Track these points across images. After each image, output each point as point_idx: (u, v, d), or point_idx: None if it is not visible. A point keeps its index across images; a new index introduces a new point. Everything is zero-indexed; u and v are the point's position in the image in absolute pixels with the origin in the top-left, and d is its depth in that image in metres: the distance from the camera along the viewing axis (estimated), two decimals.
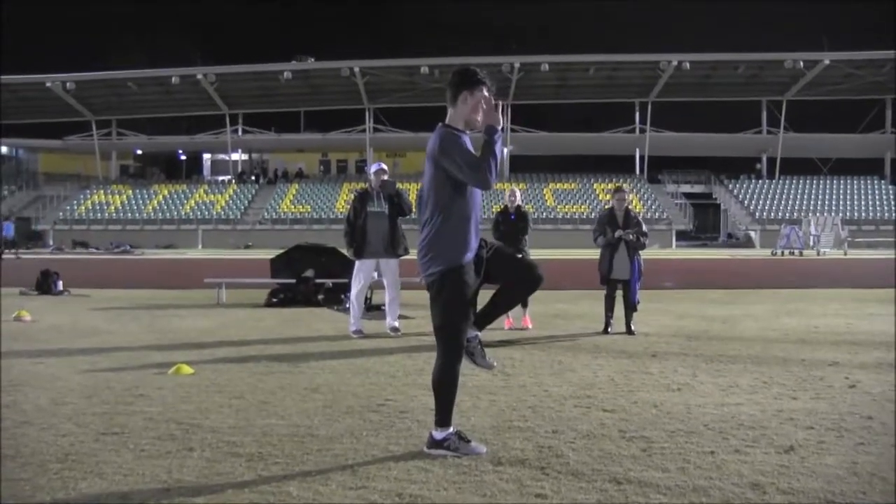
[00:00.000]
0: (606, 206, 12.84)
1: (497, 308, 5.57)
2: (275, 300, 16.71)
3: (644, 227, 12.34)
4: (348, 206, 12.12)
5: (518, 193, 13.35)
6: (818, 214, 53.15)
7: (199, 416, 6.33)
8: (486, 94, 5.30)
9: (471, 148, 5.23)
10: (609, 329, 11.84)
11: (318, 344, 10.78)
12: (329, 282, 16.72)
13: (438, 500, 4.38)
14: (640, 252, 12.31)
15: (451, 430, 5.31)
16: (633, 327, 11.75)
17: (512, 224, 12.84)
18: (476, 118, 5.30)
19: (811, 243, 47.39)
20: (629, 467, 4.91)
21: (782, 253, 44.93)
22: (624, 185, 13.36)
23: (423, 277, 5.32)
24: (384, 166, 12.27)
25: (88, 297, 18.25)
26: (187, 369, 8.34)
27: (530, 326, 12.47)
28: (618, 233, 12.03)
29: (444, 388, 5.34)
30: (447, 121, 5.36)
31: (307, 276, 16.95)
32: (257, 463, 5.07)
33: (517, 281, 5.49)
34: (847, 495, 4.37)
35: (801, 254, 44.31)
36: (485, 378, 7.94)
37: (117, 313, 14.64)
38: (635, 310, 12.03)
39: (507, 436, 5.71)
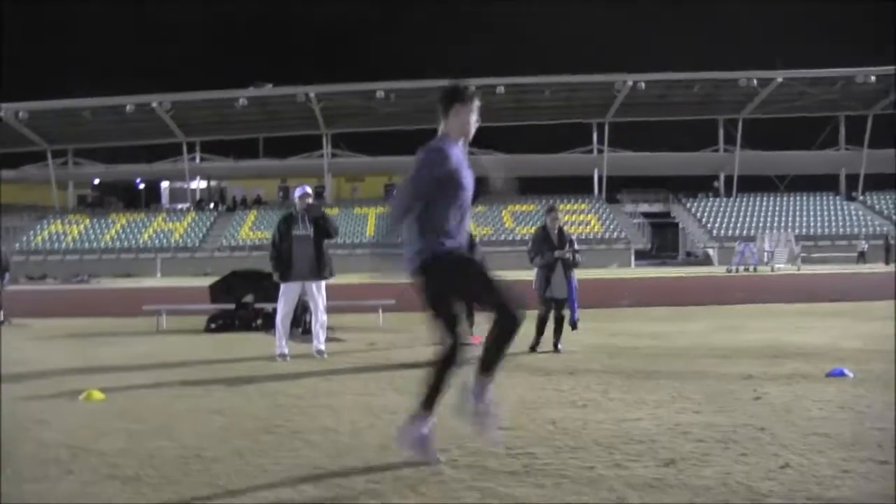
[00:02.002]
0: (538, 227, 12.82)
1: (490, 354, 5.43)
2: (213, 326, 16.60)
3: (577, 246, 12.36)
4: (274, 229, 12.05)
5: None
6: (772, 231, 53.52)
7: (91, 440, 6.23)
8: (475, 105, 5.49)
9: (456, 159, 5.36)
10: (536, 348, 11.81)
11: (239, 367, 10.71)
12: (269, 307, 16.62)
13: None
14: (574, 271, 12.32)
15: (430, 423, 5.38)
16: (560, 346, 11.73)
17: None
18: (469, 129, 5.48)
19: (765, 259, 47.73)
20: (505, 483, 4.88)
21: (737, 270, 45.23)
22: (557, 205, 13.37)
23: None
24: (309, 190, 12.23)
25: (28, 326, 18.05)
26: (98, 395, 8.24)
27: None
28: (557, 253, 12.03)
29: (438, 370, 5.39)
30: (440, 132, 5.51)
31: (246, 302, 16.86)
32: (133, 485, 5.00)
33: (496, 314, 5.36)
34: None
35: (755, 270, 44.62)
36: (391, 398, 7.93)
37: (50, 342, 14.50)
38: (575, 328, 12.05)
39: (391, 454, 5.64)
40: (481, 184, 5.64)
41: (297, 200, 11.95)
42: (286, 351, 11.54)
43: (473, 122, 5.50)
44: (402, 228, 5.36)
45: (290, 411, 7.40)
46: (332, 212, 68.81)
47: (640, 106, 70.29)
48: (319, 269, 11.73)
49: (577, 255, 12.29)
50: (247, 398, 8.23)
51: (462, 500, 4.59)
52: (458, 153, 5.41)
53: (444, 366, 5.32)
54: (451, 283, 5.36)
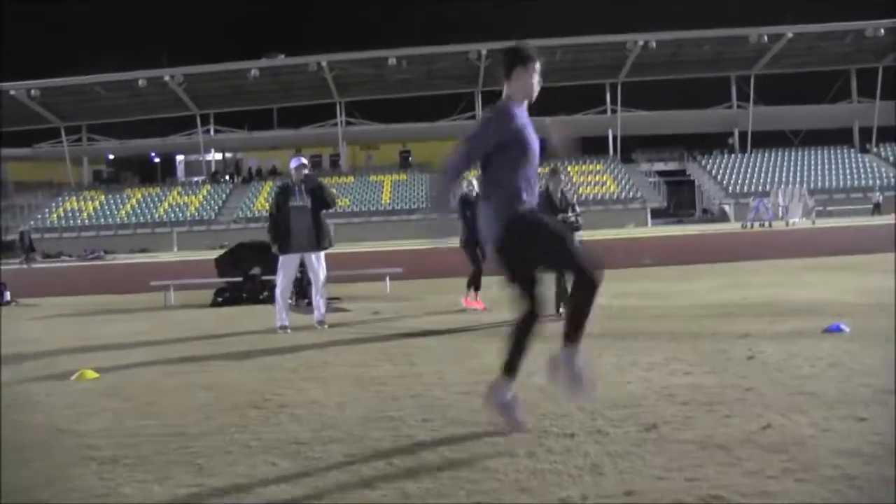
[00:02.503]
0: (540, 190, 12.77)
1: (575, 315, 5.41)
2: (220, 300, 16.67)
3: (578, 209, 12.31)
4: (270, 202, 12.03)
5: (475, 184, 13.32)
6: (786, 186, 53.21)
7: (75, 421, 6.23)
8: (537, 66, 5.45)
9: (521, 119, 5.35)
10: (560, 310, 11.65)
11: (238, 341, 10.74)
12: (276, 278, 16.64)
13: (272, 495, 4.32)
14: (577, 234, 12.26)
15: (512, 388, 5.35)
16: (561, 309, 11.65)
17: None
18: (532, 90, 5.45)
19: (780, 214, 47.46)
20: (480, 452, 4.85)
21: (752, 226, 44.97)
22: (559, 168, 13.29)
23: None
24: (304, 160, 12.19)
25: (37, 306, 18.13)
26: (91, 374, 8.25)
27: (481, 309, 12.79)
28: (560, 216, 11.95)
29: (516, 334, 5.40)
30: (504, 95, 5.48)
31: (253, 274, 16.87)
32: (108, 465, 4.98)
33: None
34: (685, 469, 4.31)
35: (770, 225, 44.35)
36: (385, 369, 7.94)
37: (53, 322, 14.59)
38: None
39: (372, 426, 5.63)
40: (546, 144, 5.62)
41: (292, 171, 11.90)
42: (287, 323, 11.55)
43: (536, 83, 5.45)
44: (458, 190, 5.39)
45: (281, 385, 7.39)
46: (348, 180, 69.06)
47: (653, 65, 70.02)
48: (318, 239, 11.69)
49: (579, 219, 12.24)
50: (240, 372, 8.23)
51: (431, 470, 4.57)
52: (523, 114, 5.40)
53: (522, 330, 5.33)
54: (527, 247, 5.29)
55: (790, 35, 64.58)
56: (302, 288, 14.67)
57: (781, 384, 6.29)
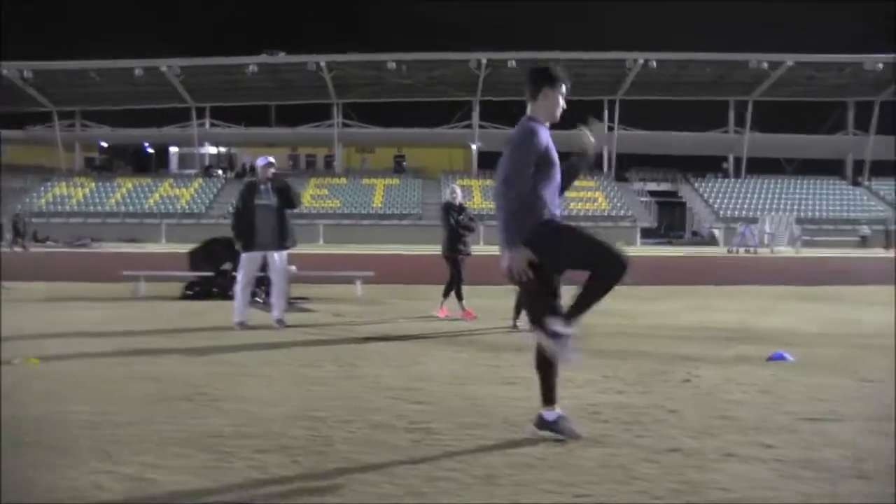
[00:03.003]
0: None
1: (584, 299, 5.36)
2: (190, 293, 16.71)
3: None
4: (236, 198, 12.12)
5: (459, 191, 13.55)
6: (773, 213, 53.35)
7: (10, 405, 6.27)
8: (564, 90, 5.50)
9: (546, 140, 5.37)
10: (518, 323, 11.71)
11: (195, 335, 10.82)
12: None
13: (172, 485, 4.40)
14: None
15: (557, 410, 5.44)
16: (519, 322, 11.71)
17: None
18: (556, 113, 5.50)
19: (766, 241, 47.59)
20: (384, 457, 4.94)
21: (737, 251, 45.07)
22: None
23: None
24: (272, 160, 12.29)
25: (8, 290, 18.08)
26: (34, 361, 8.29)
27: (475, 316, 12.94)
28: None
29: (538, 367, 5.49)
30: (528, 113, 5.50)
31: (224, 269, 16.89)
32: (29, 449, 5.08)
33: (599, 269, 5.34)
34: (578, 486, 4.39)
35: (755, 251, 44.43)
36: (328, 370, 8.05)
37: (18, 307, 14.50)
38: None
39: (294, 424, 5.74)
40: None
41: (259, 169, 11.98)
42: (245, 319, 11.63)
43: (561, 105, 5.51)
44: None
45: (222, 380, 7.48)
46: (341, 181, 69.11)
47: (652, 84, 70.10)
48: (281, 238, 11.77)
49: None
50: (187, 366, 8.31)
51: (330, 472, 4.66)
52: (547, 134, 5.42)
53: (545, 363, 5.45)
54: (557, 254, 5.32)
55: (790, 63, 64.77)
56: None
57: (706, 408, 6.38)
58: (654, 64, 64.79)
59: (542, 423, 5.41)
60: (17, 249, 38.94)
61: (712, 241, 62.43)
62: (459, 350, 9.57)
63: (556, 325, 5.17)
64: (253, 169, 53.15)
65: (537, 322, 5.30)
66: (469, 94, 70.79)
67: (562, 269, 5.44)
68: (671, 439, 5.39)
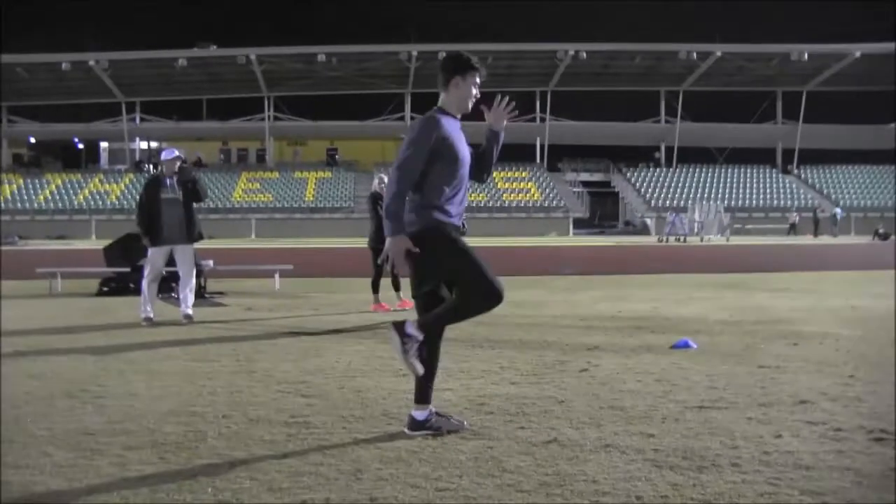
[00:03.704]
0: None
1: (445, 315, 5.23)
2: (106, 289, 16.45)
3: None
4: (140, 194, 11.93)
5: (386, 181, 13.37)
6: (702, 202, 53.92)
7: None
8: (477, 80, 5.29)
9: (449, 132, 5.18)
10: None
11: (97, 331, 10.68)
12: (165, 270, 16.44)
13: (26, 485, 4.27)
14: None
15: (429, 408, 5.27)
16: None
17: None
18: (468, 103, 5.29)
19: (696, 230, 48.07)
20: (256, 453, 4.85)
21: (667, 240, 45.46)
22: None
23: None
24: (178, 153, 12.06)
25: None
26: None
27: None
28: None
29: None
30: (439, 104, 5.31)
31: (141, 265, 16.60)
32: None
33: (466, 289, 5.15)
34: (443, 480, 4.30)
35: (685, 240, 44.86)
36: (223, 364, 7.96)
37: None
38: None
39: (171, 420, 5.63)
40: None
41: (164, 163, 11.78)
42: (151, 315, 11.47)
43: (473, 96, 5.31)
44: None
45: (111, 376, 7.36)
46: (273, 175, 68.65)
47: (583, 75, 70.59)
48: (188, 232, 11.61)
49: (464, 224, 12.10)
50: (78, 362, 8.15)
51: (193, 471, 4.52)
52: (454, 125, 5.25)
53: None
54: (435, 263, 5.16)
55: (719, 54, 65.58)
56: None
57: (597, 397, 6.33)
58: (585, 55, 65.17)
59: (412, 424, 5.28)
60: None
61: (645, 230, 62.99)
62: (359, 342, 9.46)
63: (411, 329, 5.03)
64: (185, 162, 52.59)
65: (396, 322, 5.12)
66: (400, 87, 70.63)
67: (436, 280, 5.27)
68: (552, 430, 5.31)
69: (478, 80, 5.32)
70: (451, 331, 5.68)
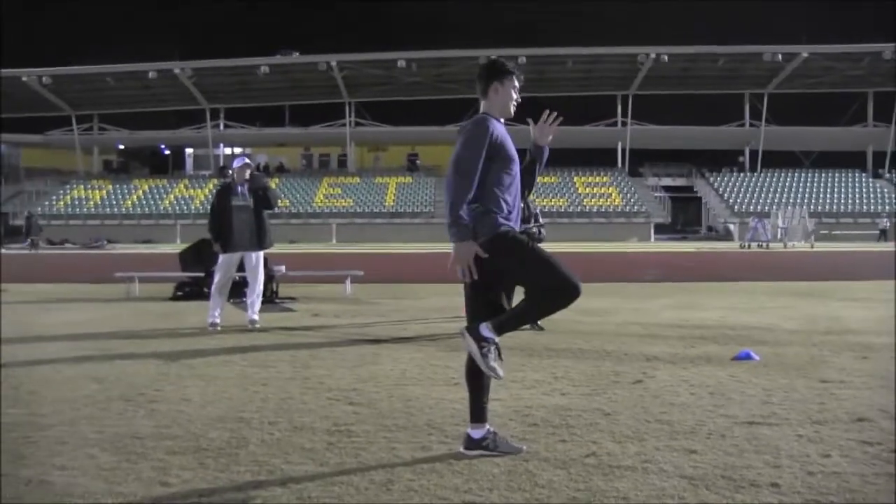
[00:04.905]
0: None
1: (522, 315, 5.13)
2: (180, 293, 16.70)
3: (541, 220, 11.90)
4: (212, 201, 12.14)
5: None
6: (786, 208, 53.01)
7: None
8: (516, 84, 5.31)
9: (501, 133, 5.15)
10: None
11: (164, 335, 10.84)
12: (237, 275, 16.65)
13: (66, 486, 4.37)
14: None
15: (486, 427, 5.15)
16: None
17: None
18: (510, 107, 5.31)
19: (778, 236, 47.29)
20: (291, 460, 4.92)
21: (749, 246, 44.80)
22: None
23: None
24: (248, 161, 12.25)
25: (5, 291, 18.10)
26: None
27: None
28: (523, 227, 11.82)
29: (468, 380, 5.20)
30: (482, 110, 5.31)
31: (213, 271, 16.85)
32: None
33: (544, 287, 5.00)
34: (474, 492, 4.31)
35: (767, 246, 44.18)
36: (279, 371, 8.04)
37: (8, 308, 14.47)
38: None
39: (217, 426, 5.73)
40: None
41: (235, 171, 11.94)
42: (218, 320, 11.62)
43: (514, 99, 5.31)
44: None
45: (169, 380, 7.49)
46: (353, 180, 69.20)
47: (664, 79, 69.89)
48: (259, 239, 11.77)
49: (543, 230, 11.77)
50: (140, 366, 8.29)
51: (231, 477, 4.62)
52: (502, 127, 5.23)
53: (474, 376, 5.13)
54: (507, 267, 5.05)
55: (805, 55, 64.39)
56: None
57: (645, 410, 6.24)
58: (666, 58, 64.52)
59: (469, 443, 5.11)
60: (31, 251, 39.32)
61: (727, 236, 62.17)
62: (418, 350, 9.45)
63: (486, 331, 4.88)
64: (267, 168, 53.46)
65: (469, 327, 4.97)
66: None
67: (502, 287, 5.20)
68: (593, 444, 5.26)
69: (516, 83, 5.30)
70: (510, 339, 5.66)
